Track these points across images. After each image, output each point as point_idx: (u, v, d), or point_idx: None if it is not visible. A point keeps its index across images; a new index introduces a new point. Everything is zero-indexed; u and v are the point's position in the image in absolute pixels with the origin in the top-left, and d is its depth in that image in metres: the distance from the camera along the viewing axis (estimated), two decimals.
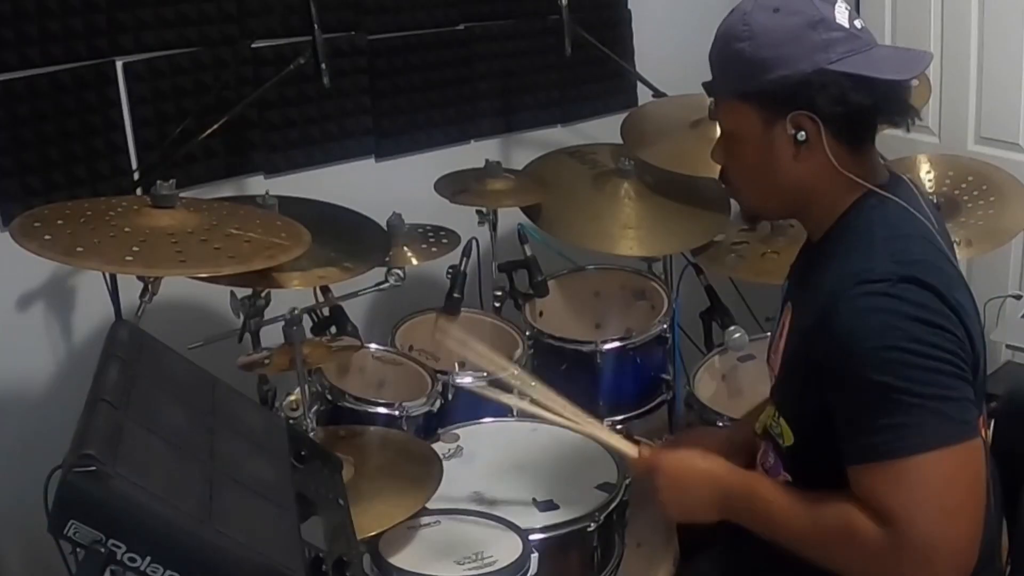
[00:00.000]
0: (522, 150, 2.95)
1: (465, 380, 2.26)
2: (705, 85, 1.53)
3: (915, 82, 1.53)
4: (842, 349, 1.35)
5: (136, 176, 2.36)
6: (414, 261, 2.32)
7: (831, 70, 1.38)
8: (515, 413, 2.22)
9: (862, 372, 1.34)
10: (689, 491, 1.59)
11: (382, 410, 2.11)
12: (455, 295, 2.45)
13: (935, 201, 2.42)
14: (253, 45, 2.51)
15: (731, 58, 1.45)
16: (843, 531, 1.39)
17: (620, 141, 2.66)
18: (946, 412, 1.33)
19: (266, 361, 1.92)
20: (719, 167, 1.59)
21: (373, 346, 2.31)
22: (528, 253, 2.49)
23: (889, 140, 2.78)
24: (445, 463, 1.92)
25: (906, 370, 1.32)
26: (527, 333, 2.44)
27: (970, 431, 1.35)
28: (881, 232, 1.42)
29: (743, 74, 1.44)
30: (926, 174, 2.53)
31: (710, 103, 2.58)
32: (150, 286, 1.83)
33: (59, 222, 1.77)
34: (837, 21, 1.40)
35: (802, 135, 1.42)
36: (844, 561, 1.42)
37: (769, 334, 1.64)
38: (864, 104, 1.40)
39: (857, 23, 1.42)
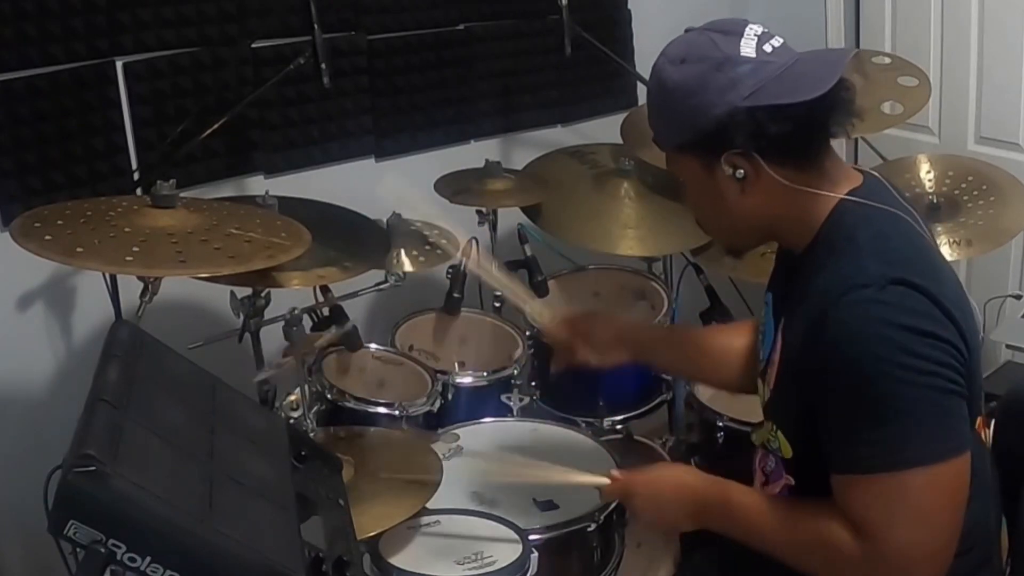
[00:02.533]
0: (522, 150, 2.95)
1: (465, 380, 2.26)
2: (653, 140, 1.53)
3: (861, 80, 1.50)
4: (833, 359, 1.34)
5: (136, 176, 2.36)
6: (410, 267, 2.32)
7: (744, 107, 1.37)
8: (515, 412, 2.22)
9: (852, 383, 1.33)
10: (665, 505, 1.62)
11: (382, 410, 2.11)
12: (455, 295, 2.45)
13: (934, 201, 2.43)
14: (253, 45, 2.51)
15: (656, 115, 1.48)
16: (819, 541, 1.40)
17: (620, 141, 2.66)
18: (935, 429, 1.32)
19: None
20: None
21: (373, 346, 2.31)
22: (528, 253, 2.49)
23: (889, 140, 2.80)
24: (445, 463, 1.91)
25: (897, 385, 1.31)
26: (527, 333, 2.44)
27: (958, 448, 1.34)
28: (864, 234, 1.40)
29: (669, 128, 1.46)
30: (926, 174, 2.53)
31: None
32: (150, 286, 1.83)
33: (59, 222, 1.77)
34: (742, 55, 1.38)
35: (740, 173, 1.41)
36: (819, 569, 1.43)
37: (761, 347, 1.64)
38: (784, 131, 1.37)
39: (767, 47, 1.39)
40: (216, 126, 2.30)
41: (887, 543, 1.33)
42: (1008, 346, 2.72)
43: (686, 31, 1.45)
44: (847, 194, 1.43)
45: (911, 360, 1.30)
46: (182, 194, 1.90)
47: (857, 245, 1.39)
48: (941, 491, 1.34)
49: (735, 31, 1.39)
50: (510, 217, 2.54)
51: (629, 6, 3.10)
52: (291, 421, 1.91)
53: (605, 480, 1.73)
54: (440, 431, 2.13)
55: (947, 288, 1.37)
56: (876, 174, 1.51)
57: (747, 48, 1.38)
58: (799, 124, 1.38)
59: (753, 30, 1.40)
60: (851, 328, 1.33)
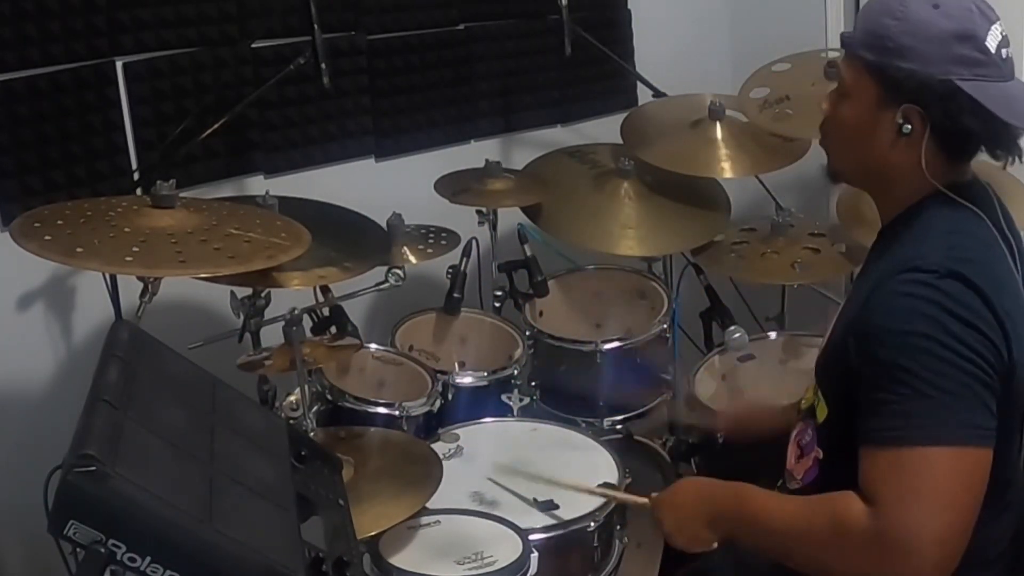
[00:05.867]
0: (522, 150, 2.95)
1: (465, 380, 2.26)
2: (844, 35, 1.54)
3: None
4: (875, 328, 1.38)
5: (136, 176, 2.36)
6: (413, 260, 2.32)
7: (958, 86, 1.40)
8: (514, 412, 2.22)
9: (887, 353, 1.36)
10: (683, 511, 1.62)
11: (382, 410, 2.11)
12: (455, 295, 2.45)
13: None
14: (253, 45, 2.51)
15: (875, 28, 1.47)
16: (831, 517, 1.39)
17: (620, 141, 2.66)
18: (964, 413, 1.33)
19: (266, 362, 1.92)
20: (823, 117, 1.60)
21: (373, 346, 2.31)
22: (528, 253, 2.49)
23: None
24: (445, 463, 1.91)
25: (931, 360, 1.33)
26: (527, 333, 2.44)
27: (983, 438, 1.35)
28: (940, 227, 1.45)
29: (879, 48, 1.46)
30: None
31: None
32: (150, 286, 1.83)
33: (59, 222, 1.77)
34: (986, 43, 1.42)
35: (907, 128, 1.44)
36: (829, 550, 1.41)
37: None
38: (972, 130, 1.42)
39: (1004, 52, 1.43)
40: (216, 126, 2.30)
41: (897, 519, 1.33)
42: None
43: None
44: (943, 187, 1.47)
45: (953, 343, 1.34)
46: (182, 194, 1.91)
47: (931, 233, 1.44)
48: (961, 477, 1.33)
49: (991, 17, 1.43)
50: (510, 217, 2.54)
51: (629, 6, 3.10)
52: (291, 421, 1.91)
53: (644, 500, 1.74)
54: (440, 431, 2.13)
55: (1006, 301, 1.39)
56: (988, 185, 1.56)
57: (991, 40, 1.42)
58: (983, 133, 1.43)
59: (999, 28, 1.44)
60: (901, 304, 1.37)
